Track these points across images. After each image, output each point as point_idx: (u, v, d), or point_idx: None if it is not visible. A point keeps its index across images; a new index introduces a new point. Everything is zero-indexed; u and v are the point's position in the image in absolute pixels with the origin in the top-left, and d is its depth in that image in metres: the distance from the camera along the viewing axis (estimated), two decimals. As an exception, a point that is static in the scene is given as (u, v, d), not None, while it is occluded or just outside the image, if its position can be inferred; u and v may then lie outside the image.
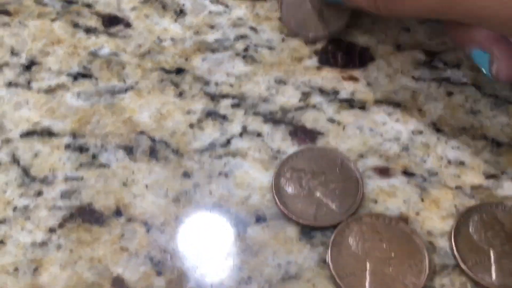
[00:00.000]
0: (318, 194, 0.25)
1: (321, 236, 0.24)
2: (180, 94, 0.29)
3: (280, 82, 0.29)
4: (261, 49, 0.30)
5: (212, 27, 0.31)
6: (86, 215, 0.24)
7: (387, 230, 0.24)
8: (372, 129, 0.27)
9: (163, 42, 0.30)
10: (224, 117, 0.28)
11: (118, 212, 0.25)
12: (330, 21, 0.30)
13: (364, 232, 0.23)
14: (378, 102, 0.28)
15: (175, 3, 0.31)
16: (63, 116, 0.28)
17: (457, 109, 0.28)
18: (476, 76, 0.29)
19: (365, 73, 0.29)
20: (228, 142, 0.27)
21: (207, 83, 0.29)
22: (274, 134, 0.27)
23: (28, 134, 0.27)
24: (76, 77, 0.29)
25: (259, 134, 0.27)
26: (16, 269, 0.23)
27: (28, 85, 0.29)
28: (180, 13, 0.31)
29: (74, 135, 0.27)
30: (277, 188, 0.25)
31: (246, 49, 0.30)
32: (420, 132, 0.27)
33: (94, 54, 0.30)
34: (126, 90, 0.29)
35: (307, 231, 0.24)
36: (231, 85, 0.29)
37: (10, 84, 0.29)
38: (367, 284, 0.22)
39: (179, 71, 0.29)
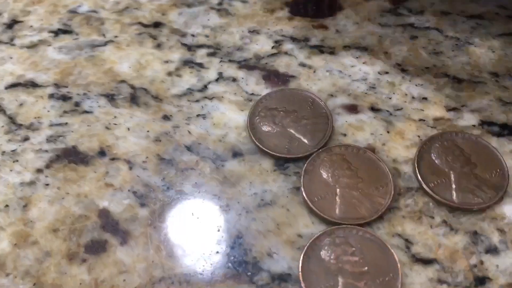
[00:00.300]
0: (291, 130, 0.26)
1: (294, 167, 0.25)
2: (158, 46, 0.30)
3: (254, 32, 0.30)
4: (235, 2, 0.31)
5: (187, -17, 0.32)
6: (72, 156, 0.26)
7: (355, 159, 0.25)
8: (341, 71, 0.29)
9: (141, -1, 0.32)
10: (200, 65, 0.29)
11: (102, 153, 0.26)
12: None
13: (334, 161, 0.25)
14: (346, 47, 0.30)
15: (151, -39, 0.33)
16: (46, 69, 0.29)
17: (421, 51, 0.29)
18: (438, 21, 0.30)
19: (334, 21, 0.31)
20: (205, 87, 0.28)
21: (183, 35, 0.30)
22: (248, 78, 0.28)
23: (12, 86, 0.28)
24: (57, 33, 0.30)
25: (234, 79, 0.28)
26: (6, 206, 0.24)
27: (11, 42, 0.30)
28: (156, -30, 0.32)
29: (57, 85, 0.28)
30: (252, 126, 0.26)
31: (220, 3, 0.32)
32: (386, 73, 0.29)
33: (73, 12, 0.31)
34: (106, 44, 0.30)
35: (281, 163, 0.26)
36: (207, 36, 0.30)
37: (-7, 42, 0.30)
38: (337, 206, 0.24)
39: (157, 25, 0.31)
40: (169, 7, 0.31)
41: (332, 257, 0.22)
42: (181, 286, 0.22)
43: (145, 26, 0.31)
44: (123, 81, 0.28)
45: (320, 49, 0.30)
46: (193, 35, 0.30)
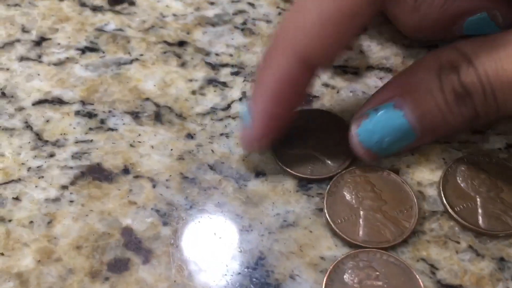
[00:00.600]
0: (314, 150, 0.26)
1: (317, 188, 0.25)
2: (183, 64, 0.30)
3: (277, 51, 0.30)
4: (259, 22, 0.32)
5: (212, 3, 0.33)
6: (96, 173, 0.26)
7: (379, 181, 0.25)
8: (364, 92, 0.29)
9: (166, 18, 0.32)
10: (224, 84, 0.29)
11: (126, 170, 0.26)
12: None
13: (358, 182, 0.25)
14: (370, 67, 0.30)
15: (177, -19, 0.33)
16: (73, 86, 0.29)
17: (445, 72, 0.29)
18: (463, 42, 0.30)
19: (358, 42, 0.31)
20: (229, 106, 0.28)
21: (208, 54, 0.31)
22: (272, 98, 0.29)
23: (40, 103, 0.29)
24: (83, 51, 0.31)
25: (257, 99, 0.29)
26: (31, 222, 0.25)
27: (39, 59, 0.30)
28: (181, -10, 0.33)
29: (83, 102, 0.29)
30: (275, 146, 0.26)
31: (244, 23, 0.32)
32: (410, 94, 0.28)
33: (100, 30, 0.32)
34: (131, 62, 0.30)
35: (304, 183, 0.26)
36: (231, 55, 0.30)
37: (22, 58, 0.30)
38: (360, 229, 0.24)
39: (181, 43, 0.31)
40: (193, 26, 0.32)
41: (355, 281, 0.22)
42: (202, 307, 0.22)
43: (170, 44, 0.31)
44: (147, 99, 0.29)
45: (343, 69, 0.30)
46: (217, 54, 0.30)
